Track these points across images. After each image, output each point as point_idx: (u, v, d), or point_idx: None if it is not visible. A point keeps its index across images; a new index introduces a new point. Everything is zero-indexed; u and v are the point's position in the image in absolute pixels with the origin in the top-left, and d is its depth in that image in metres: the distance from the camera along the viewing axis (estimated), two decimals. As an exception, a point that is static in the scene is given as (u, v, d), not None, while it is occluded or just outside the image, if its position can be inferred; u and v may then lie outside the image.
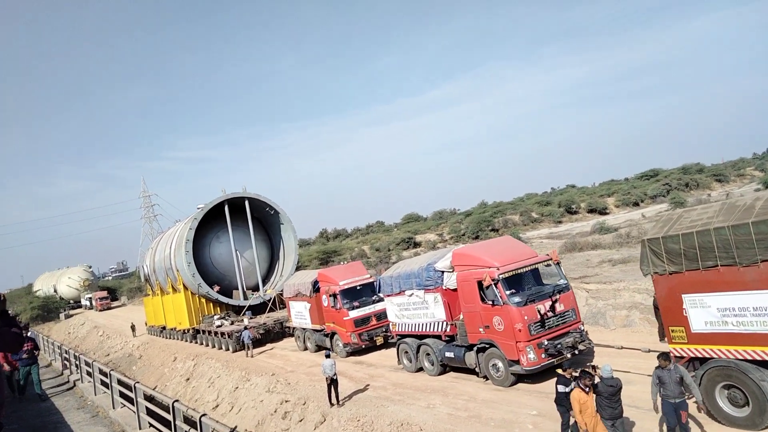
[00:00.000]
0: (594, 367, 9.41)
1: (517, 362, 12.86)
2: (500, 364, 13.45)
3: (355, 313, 20.30)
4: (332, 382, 14.80)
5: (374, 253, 61.00)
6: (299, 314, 23.90)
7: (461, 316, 14.63)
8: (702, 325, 9.10)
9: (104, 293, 75.01)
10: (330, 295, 20.87)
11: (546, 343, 12.75)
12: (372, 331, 20.39)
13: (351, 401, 15.01)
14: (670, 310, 9.62)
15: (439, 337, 15.71)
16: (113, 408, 14.49)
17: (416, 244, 63.40)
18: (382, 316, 19.95)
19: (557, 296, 13.32)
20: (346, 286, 20.77)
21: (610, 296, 18.45)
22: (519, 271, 13.62)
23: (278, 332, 27.57)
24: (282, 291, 27.38)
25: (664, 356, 8.65)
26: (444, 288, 15.10)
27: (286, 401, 16.50)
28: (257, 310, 31.29)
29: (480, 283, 13.50)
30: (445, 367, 15.80)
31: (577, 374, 8.98)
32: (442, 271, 15.15)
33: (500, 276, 13.14)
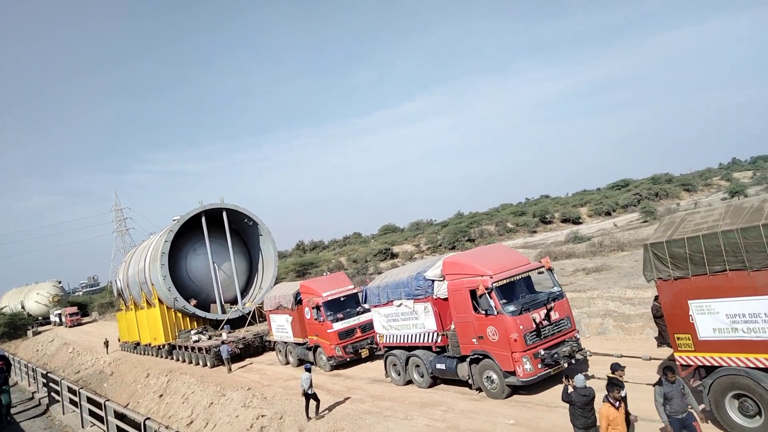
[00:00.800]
0: (567, 377, 9.07)
1: (513, 373, 12.41)
2: (495, 376, 12.98)
3: (339, 326, 19.71)
4: (309, 396, 14.44)
5: (352, 265, 60.58)
6: (280, 327, 23.19)
7: (453, 327, 14.19)
8: (710, 332, 8.78)
9: (74, 309, 72.97)
10: (313, 308, 20.24)
11: (542, 352, 12.34)
12: (357, 343, 19.84)
13: (329, 415, 14.65)
14: (675, 317, 9.29)
15: (429, 348, 15.20)
16: (82, 427, 13.81)
17: (393, 255, 63.24)
18: (367, 327, 19.46)
19: (552, 304, 12.99)
20: (329, 298, 20.17)
21: (585, 304, 18.54)
22: (512, 279, 13.21)
23: (258, 346, 26.79)
24: (262, 304, 26.65)
25: (670, 370, 8.19)
26: (434, 297, 14.63)
27: (263, 416, 16.04)
28: (236, 324, 30.52)
29: (473, 292, 13.06)
30: (436, 380, 15.30)
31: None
32: (433, 280, 14.68)
33: (494, 284, 12.69)
